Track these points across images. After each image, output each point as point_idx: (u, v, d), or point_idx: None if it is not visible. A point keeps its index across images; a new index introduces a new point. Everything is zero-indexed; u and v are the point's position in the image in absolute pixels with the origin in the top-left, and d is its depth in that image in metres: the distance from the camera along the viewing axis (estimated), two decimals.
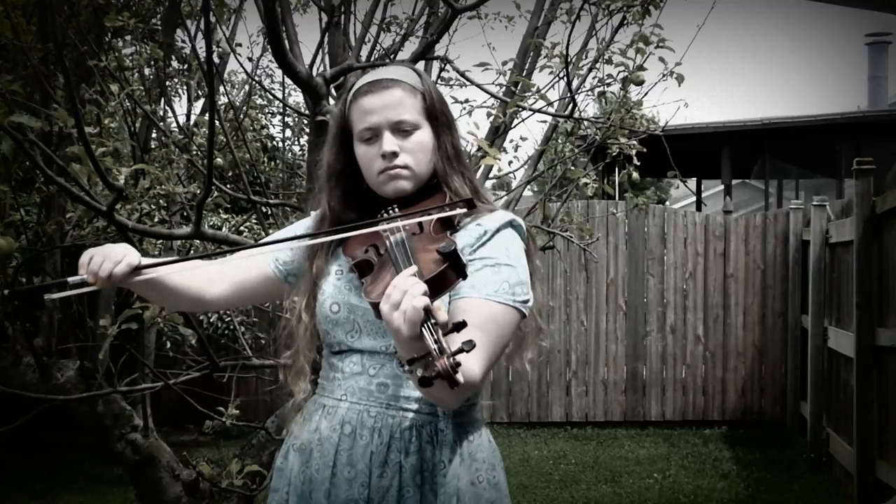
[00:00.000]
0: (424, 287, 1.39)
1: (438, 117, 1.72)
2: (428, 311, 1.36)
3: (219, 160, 3.56)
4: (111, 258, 1.57)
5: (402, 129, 1.68)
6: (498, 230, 1.67)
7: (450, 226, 1.65)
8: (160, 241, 4.60)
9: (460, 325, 1.37)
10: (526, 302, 1.63)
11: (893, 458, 4.53)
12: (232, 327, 6.56)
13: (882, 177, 5.15)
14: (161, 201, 3.45)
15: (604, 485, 5.92)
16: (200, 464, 3.10)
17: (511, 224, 1.69)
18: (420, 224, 1.62)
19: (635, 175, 3.77)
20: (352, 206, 1.75)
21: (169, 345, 5.33)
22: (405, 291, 1.38)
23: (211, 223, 6.81)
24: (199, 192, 2.88)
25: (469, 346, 1.34)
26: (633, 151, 3.68)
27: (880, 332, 4.79)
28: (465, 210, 1.64)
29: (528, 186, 4.11)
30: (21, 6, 2.78)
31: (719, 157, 11.96)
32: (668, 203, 20.78)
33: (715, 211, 13.07)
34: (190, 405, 3.14)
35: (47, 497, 5.73)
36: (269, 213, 3.87)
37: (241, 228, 5.88)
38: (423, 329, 1.36)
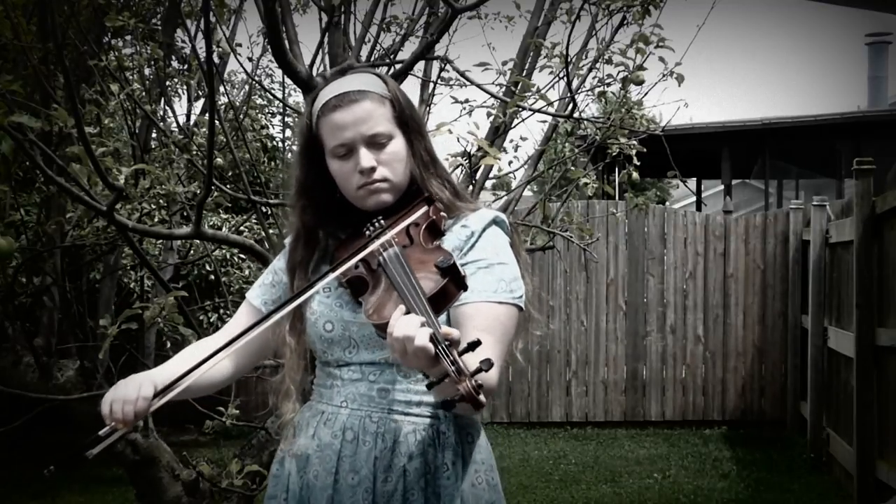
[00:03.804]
0: (421, 319, 1.39)
1: (409, 123, 1.70)
2: (436, 341, 1.36)
3: (219, 160, 3.56)
4: (129, 400, 1.54)
5: (376, 142, 1.65)
6: (484, 230, 1.68)
7: (438, 232, 1.65)
8: (160, 241, 4.60)
9: (475, 345, 1.36)
10: (521, 297, 1.64)
11: (893, 458, 4.53)
12: None
13: (882, 177, 5.16)
14: (161, 201, 3.45)
15: (604, 485, 5.92)
16: (200, 464, 3.10)
17: (495, 221, 1.70)
18: (409, 235, 1.62)
19: (635, 175, 3.77)
20: (327, 220, 1.74)
21: (169, 345, 5.32)
22: (404, 337, 1.37)
23: (211, 223, 6.81)
24: (199, 192, 2.88)
25: (487, 364, 1.34)
26: (633, 151, 3.68)
27: (880, 332, 4.79)
28: (427, 201, 1.65)
29: (528, 186, 4.11)
30: (21, 6, 2.77)
31: (719, 157, 11.96)
32: (668, 203, 20.78)
33: (715, 211, 13.08)
34: (190, 405, 3.13)
35: (47, 497, 5.73)
36: (269, 213, 3.87)
37: (241, 228, 5.89)
38: (438, 354, 1.36)
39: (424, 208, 1.65)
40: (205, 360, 1.60)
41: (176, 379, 1.59)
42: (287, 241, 1.82)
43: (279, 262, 1.80)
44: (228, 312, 6.50)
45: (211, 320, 7.01)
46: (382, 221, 1.66)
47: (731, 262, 7.64)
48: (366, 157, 1.64)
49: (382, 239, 1.59)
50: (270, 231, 3.59)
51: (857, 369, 4.97)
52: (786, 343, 7.45)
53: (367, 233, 1.65)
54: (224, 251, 6.38)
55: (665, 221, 7.69)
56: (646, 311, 7.67)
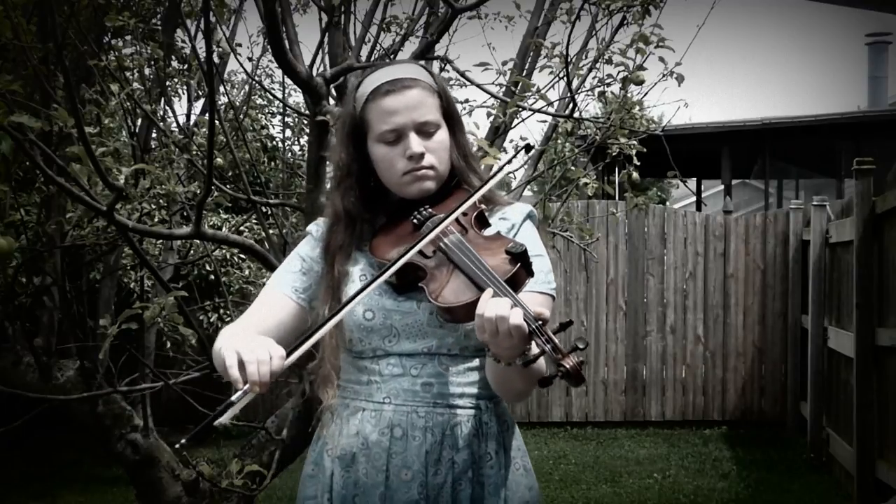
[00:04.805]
0: (511, 301, 1.43)
1: (454, 116, 1.74)
2: (529, 321, 1.41)
3: (219, 160, 3.56)
4: (264, 361, 1.46)
5: (425, 131, 1.68)
6: (523, 222, 1.72)
7: (485, 222, 1.69)
8: (160, 241, 4.60)
9: (566, 325, 1.41)
10: (555, 287, 1.69)
11: (893, 458, 4.53)
12: None
13: (882, 177, 5.16)
14: (161, 201, 3.45)
15: (604, 485, 5.92)
16: (200, 464, 3.10)
17: (529, 215, 1.75)
18: (460, 223, 1.64)
19: (635, 175, 3.77)
20: (366, 206, 1.74)
21: (169, 345, 5.32)
22: (497, 317, 1.42)
23: (211, 223, 6.81)
24: (199, 192, 2.88)
25: (583, 342, 1.39)
26: (633, 151, 3.68)
27: (880, 332, 4.79)
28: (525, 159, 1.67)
29: (528, 186, 4.10)
30: (21, 6, 2.77)
31: (719, 157, 11.95)
32: (668, 203, 20.77)
33: (715, 211, 13.07)
34: (190, 405, 3.14)
35: (47, 497, 5.73)
36: (269, 213, 3.87)
37: (242, 228, 5.89)
38: (532, 333, 1.41)
39: (461, 198, 1.66)
40: (323, 323, 1.57)
41: (300, 342, 1.55)
42: (311, 228, 1.81)
43: (306, 250, 1.77)
44: (228, 312, 6.49)
45: (211, 320, 7.00)
46: (431, 209, 1.67)
47: (731, 262, 7.64)
48: (416, 143, 1.66)
49: (443, 225, 1.60)
50: (270, 231, 3.59)
51: (857, 369, 4.97)
52: (786, 343, 7.45)
53: (416, 220, 1.66)
54: (224, 251, 6.38)
55: (665, 221, 7.69)
56: (646, 311, 7.67)
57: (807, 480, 5.91)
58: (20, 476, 6.16)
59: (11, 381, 3.37)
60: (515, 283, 1.50)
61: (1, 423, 3.12)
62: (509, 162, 1.72)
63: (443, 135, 1.70)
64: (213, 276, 6.63)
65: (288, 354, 1.51)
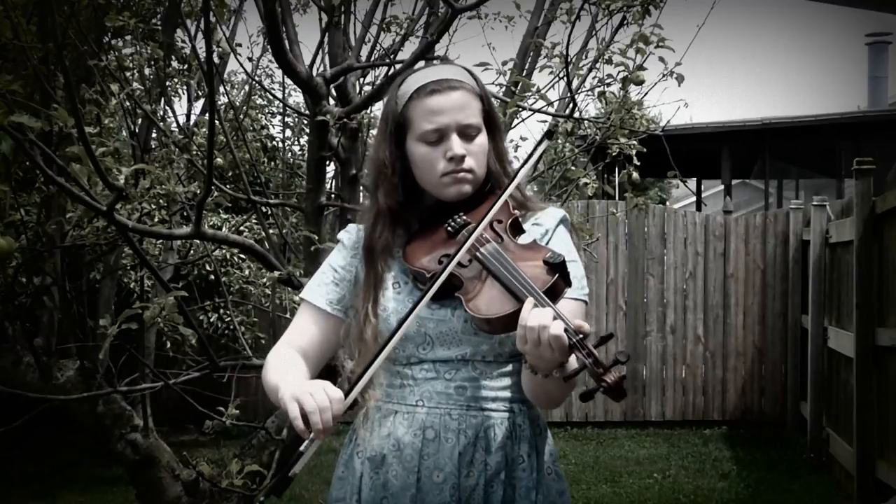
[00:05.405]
0: (553, 312, 1.43)
1: (494, 121, 1.74)
2: (570, 333, 1.41)
3: (219, 160, 3.56)
4: (325, 408, 1.47)
5: (467, 133, 1.67)
6: (556, 227, 1.72)
7: (519, 229, 1.68)
8: (160, 241, 4.60)
9: (607, 338, 1.42)
10: (588, 293, 1.69)
11: (893, 458, 4.53)
12: (232, 327, 6.56)
13: (882, 177, 5.15)
14: (161, 201, 3.45)
15: (604, 485, 5.92)
16: (200, 464, 3.10)
17: (563, 220, 1.74)
18: (495, 231, 1.63)
19: (635, 175, 3.77)
20: (406, 205, 1.73)
21: (169, 345, 5.32)
22: (540, 326, 1.42)
23: (211, 223, 6.81)
24: (199, 192, 2.88)
25: (624, 356, 1.39)
26: (633, 151, 3.68)
27: (880, 332, 4.78)
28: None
29: (528, 186, 4.10)
30: (21, 6, 2.77)
31: (719, 157, 11.95)
32: (668, 203, 20.77)
33: (715, 211, 13.07)
34: (190, 405, 3.14)
35: (47, 497, 5.73)
36: (269, 213, 3.87)
37: (241, 228, 5.89)
38: (572, 346, 1.41)
39: (505, 205, 1.65)
40: (374, 358, 1.57)
41: (353, 382, 1.56)
42: (342, 236, 1.80)
43: (337, 260, 1.77)
44: (228, 312, 6.49)
45: (211, 320, 7.01)
46: (465, 217, 1.66)
47: (731, 262, 7.64)
48: (458, 145, 1.66)
49: (476, 233, 1.59)
50: (270, 231, 3.58)
51: (857, 369, 4.97)
52: (786, 343, 7.45)
53: (450, 228, 1.66)
54: (224, 251, 6.38)
55: (665, 221, 7.69)
56: (646, 311, 7.67)
57: (807, 480, 5.91)
58: (20, 476, 6.16)
59: (11, 381, 3.38)
60: (554, 293, 1.49)
61: (1, 423, 3.12)
62: (530, 156, 1.71)
63: (483, 139, 1.70)
64: (213, 276, 6.63)
65: (346, 395, 1.52)
